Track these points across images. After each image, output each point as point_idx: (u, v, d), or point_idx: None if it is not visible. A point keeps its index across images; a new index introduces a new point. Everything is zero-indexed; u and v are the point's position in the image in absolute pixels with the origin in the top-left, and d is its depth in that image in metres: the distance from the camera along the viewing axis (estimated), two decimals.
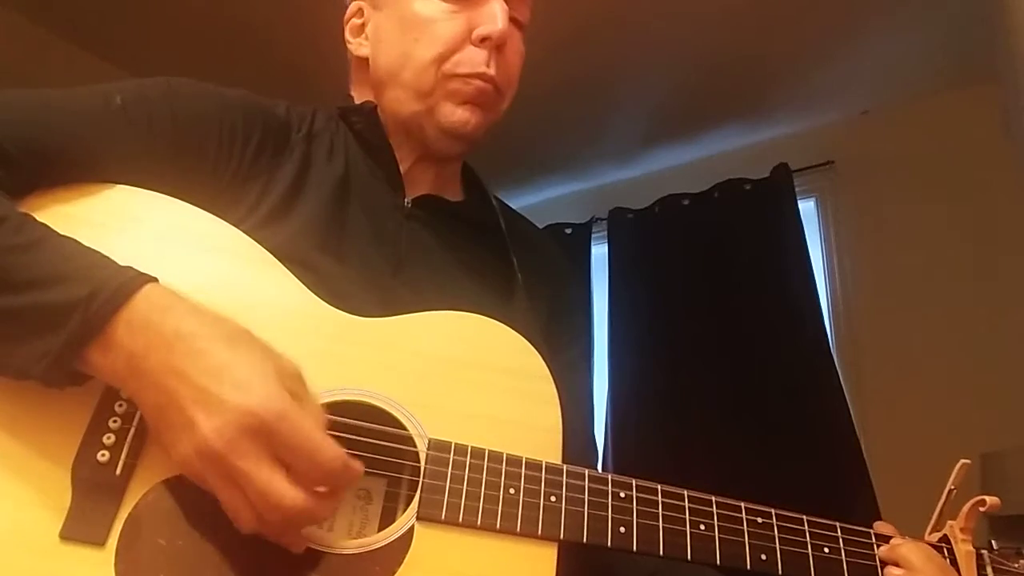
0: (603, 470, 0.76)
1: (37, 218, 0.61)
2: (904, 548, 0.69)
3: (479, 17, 0.81)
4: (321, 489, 0.54)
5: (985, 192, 2.59)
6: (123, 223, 0.66)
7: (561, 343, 0.87)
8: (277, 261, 0.68)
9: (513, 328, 0.71)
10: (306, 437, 0.53)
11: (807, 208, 2.99)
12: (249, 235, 0.70)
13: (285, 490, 0.52)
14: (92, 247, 0.60)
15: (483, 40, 0.81)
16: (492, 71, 0.82)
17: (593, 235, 3.33)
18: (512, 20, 0.84)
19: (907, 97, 2.83)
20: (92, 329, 0.55)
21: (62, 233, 0.60)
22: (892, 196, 2.80)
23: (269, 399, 0.53)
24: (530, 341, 0.71)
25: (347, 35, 0.90)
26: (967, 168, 2.66)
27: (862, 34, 2.54)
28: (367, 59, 0.88)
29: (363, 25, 0.89)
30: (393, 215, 0.84)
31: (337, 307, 0.68)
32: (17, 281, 0.56)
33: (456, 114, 0.82)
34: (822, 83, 2.79)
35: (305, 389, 0.57)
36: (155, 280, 0.58)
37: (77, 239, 0.60)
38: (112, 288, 0.56)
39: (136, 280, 0.57)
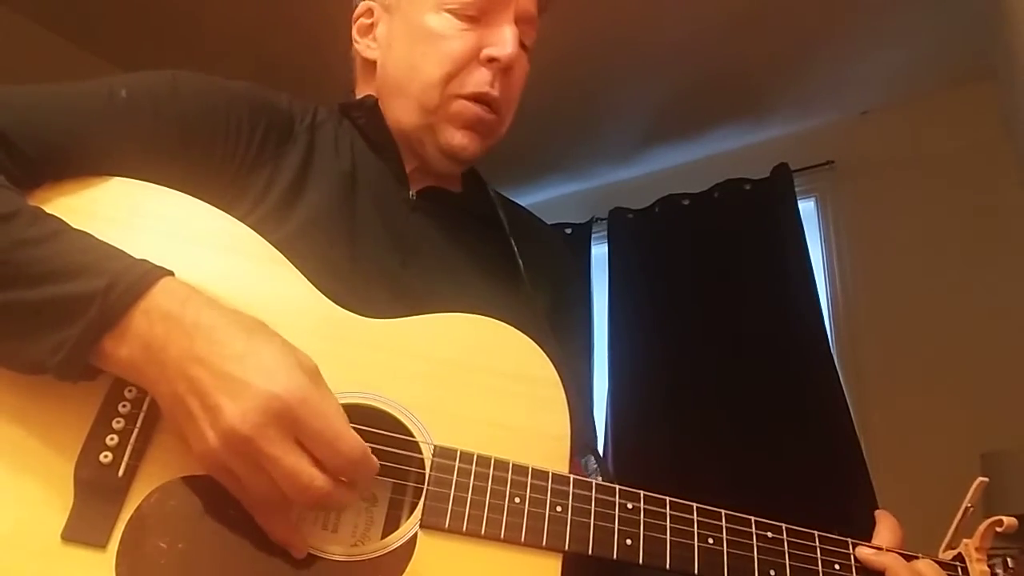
0: (600, 464, 0.76)
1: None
2: (923, 564, 0.68)
3: (489, 36, 0.82)
4: (342, 478, 0.55)
5: (985, 191, 2.59)
6: (130, 218, 0.65)
7: (563, 334, 0.87)
8: (285, 259, 0.68)
9: (520, 319, 0.70)
10: (329, 424, 0.54)
11: (807, 208, 2.99)
12: (257, 225, 0.70)
13: (313, 473, 0.54)
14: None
15: (490, 61, 0.81)
16: (496, 92, 0.82)
17: (593, 235, 3.34)
18: (519, 44, 0.84)
19: (907, 97, 2.83)
20: (110, 319, 0.55)
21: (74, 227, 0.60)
22: (892, 196, 2.80)
23: (293, 384, 0.54)
24: (536, 332, 0.70)
25: (354, 34, 0.90)
26: (967, 168, 2.66)
27: (862, 34, 2.54)
28: (374, 62, 0.87)
29: (372, 26, 0.88)
30: (400, 206, 0.84)
31: (348, 300, 0.68)
32: (33, 275, 0.56)
33: (456, 138, 0.82)
34: (822, 83, 2.79)
35: (323, 382, 0.57)
36: (171, 273, 0.58)
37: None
38: (130, 279, 0.56)
39: (154, 272, 0.57)
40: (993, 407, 2.35)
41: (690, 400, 2.80)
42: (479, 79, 0.81)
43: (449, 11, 0.81)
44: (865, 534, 0.71)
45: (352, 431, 0.56)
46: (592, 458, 0.77)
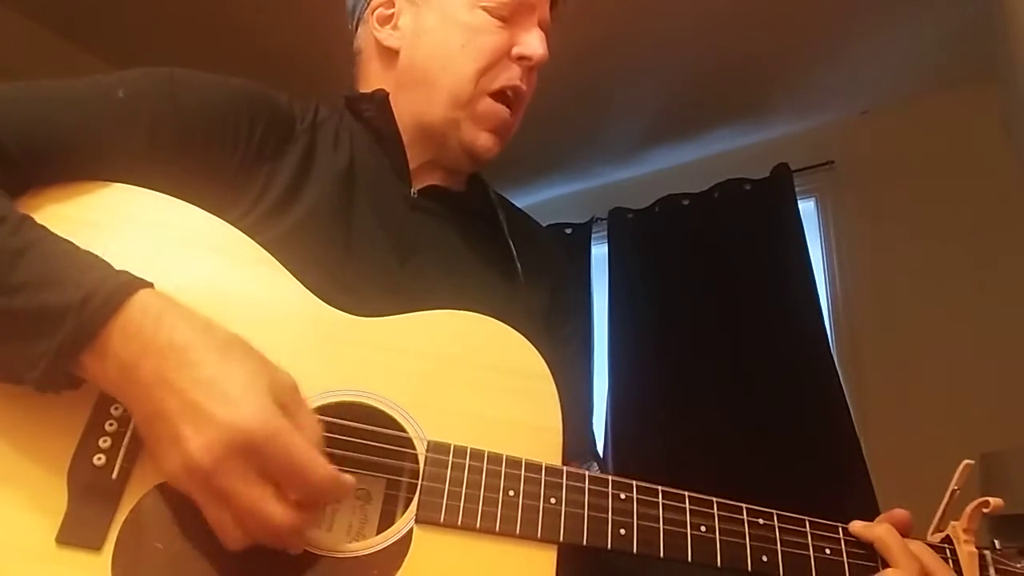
0: (602, 468, 0.76)
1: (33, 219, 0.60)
2: (915, 545, 0.68)
3: (518, 37, 0.85)
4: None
5: (985, 192, 2.59)
6: (118, 223, 0.65)
7: (560, 337, 0.88)
8: (275, 260, 0.68)
9: (517, 320, 0.70)
10: (296, 455, 0.52)
11: (807, 208, 2.99)
12: (254, 226, 0.69)
13: (273, 508, 0.52)
14: (87, 249, 0.58)
15: (520, 58, 0.85)
16: (524, 87, 0.86)
17: (593, 235, 3.33)
18: None
19: (907, 97, 2.82)
20: (86, 335, 0.54)
21: (59, 234, 0.59)
22: (892, 196, 2.80)
23: (258, 416, 0.52)
24: (532, 333, 0.70)
25: (373, 23, 0.89)
26: (967, 168, 2.65)
27: (862, 34, 2.54)
28: (394, 51, 0.87)
29: (391, 16, 0.89)
30: (399, 204, 0.84)
31: (342, 299, 0.68)
32: (11, 284, 0.55)
33: (481, 139, 0.84)
34: (822, 83, 2.79)
35: (300, 401, 0.56)
36: (150, 285, 0.57)
37: (73, 240, 0.59)
38: (105, 293, 0.54)
39: (130, 285, 0.56)
40: (993, 407, 2.34)
41: (690, 400, 2.80)
42: (511, 74, 0.85)
43: (484, 8, 0.84)
44: None
45: (321, 458, 0.54)
46: (595, 464, 0.77)
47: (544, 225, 3.71)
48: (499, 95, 0.84)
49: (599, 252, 3.32)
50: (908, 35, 2.53)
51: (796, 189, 2.92)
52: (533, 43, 0.85)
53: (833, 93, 2.84)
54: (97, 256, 0.58)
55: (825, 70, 2.72)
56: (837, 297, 2.85)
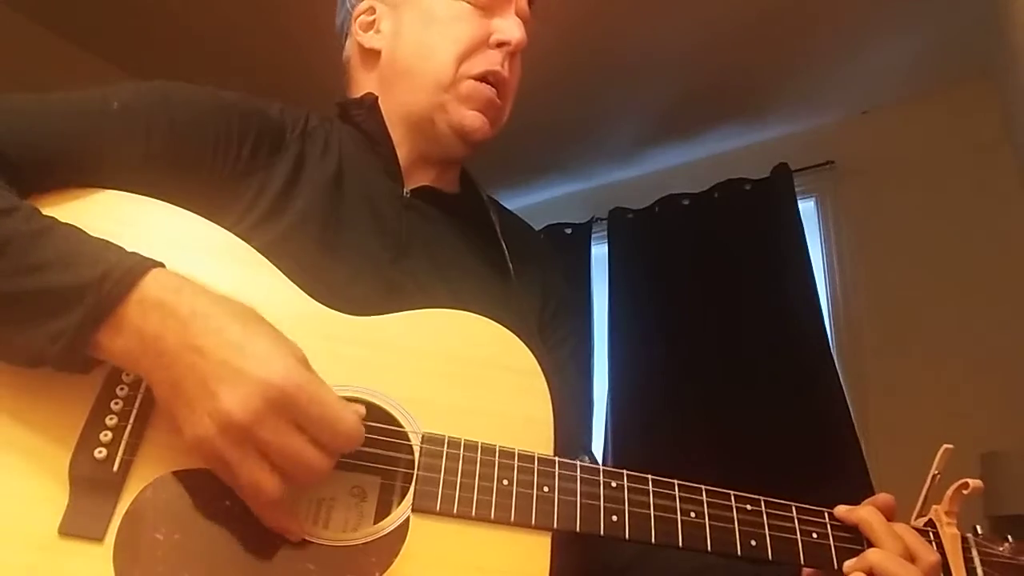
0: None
1: None
2: (899, 527, 0.70)
3: (496, 25, 0.87)
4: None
5: (985, 191, 2.59)
6: (116, 227, 0.66)
7: (557, 338, 0.89)
8: (268, 262, 0.69)
9: (509, 319, 0.71)
10: (326, 405, 0.56)
11: (807, 208, 3.00)
12: (245, 234, 0.71)
13: (312, 452, 0.55)
14: None
15: (500, 44, 0.86)
16: (506, 72, 0.87)
17: (593, 235, 3.34)
18: None
19: (907, 97, 2.83)
20: (105, 309, 0.56)
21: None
22: (892, 196, 2.81)
23: (289, 371, 0.55)
24: (524, 332, 0.71)
25: (355, 29, 0.92)
26: (967, 168, 2.66)
27: (862, 34, 2.55)
28: (376, 52, 0.90)
29: (373, 22, 0.92)
30: (392, 205, 0.85)
31: (333, 299, 0.69)
32: (30, 264, 0.57)
33: (468, 118, 0.85)
34: (822, 83, 2.80)
35: (312, 369, 0.58)
36: (162, 264, 0.59)
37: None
38: (123, 269, 0.57)
39: (145, 262, 0.58)
40: (993, 407, 2.35)
41: (690, 399, 2.81)
42: (491, 59, 0.86)
43: None
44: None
45: (348, 411, 0.57)
46: (587, 458, 0.78)
47: (544, 225, 3.71)
48: (481, 79, 0.86)
49: (599, 252, 3.33)
50: (908, 35, 2.54)
51: (796, 189, 2.93)
52: (511, 28, 0.86)
53: (833, 93, 2.85)
54: (108, 240, 0.60)
55: (825, 70, 2.73)
56: (837, 297, 2.85)
